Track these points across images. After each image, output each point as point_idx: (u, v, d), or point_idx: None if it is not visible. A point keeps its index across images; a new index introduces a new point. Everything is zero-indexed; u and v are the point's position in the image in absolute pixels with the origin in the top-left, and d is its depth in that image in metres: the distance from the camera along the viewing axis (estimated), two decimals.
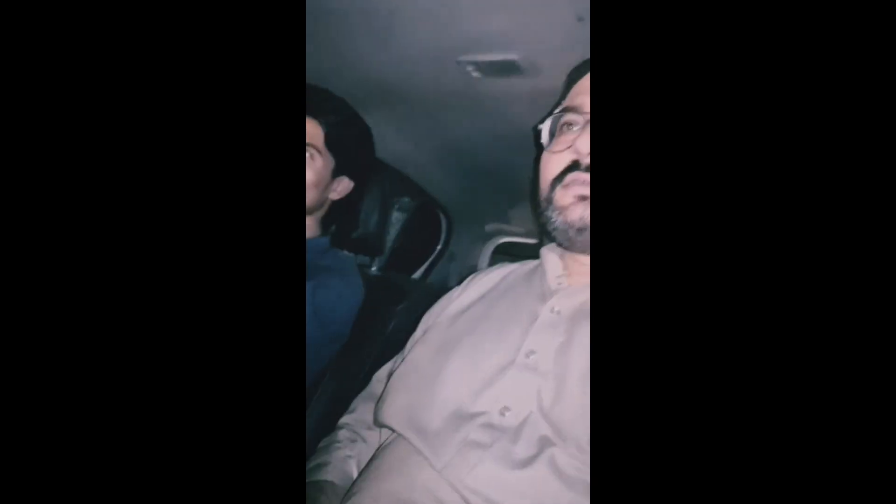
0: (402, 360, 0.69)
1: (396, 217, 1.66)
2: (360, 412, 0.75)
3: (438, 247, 1.88)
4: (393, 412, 0.61)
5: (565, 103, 0.67)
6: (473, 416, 0.55)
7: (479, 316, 0.68)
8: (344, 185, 0.89)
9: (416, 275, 1.87)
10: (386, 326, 0.93)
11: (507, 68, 0.91)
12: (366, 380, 0.80)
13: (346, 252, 0.92)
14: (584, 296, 0.62)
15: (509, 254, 2.04)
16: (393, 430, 0.60)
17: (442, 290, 1.80)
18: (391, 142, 1.36)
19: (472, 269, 1.99)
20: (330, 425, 0.77)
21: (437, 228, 1.85)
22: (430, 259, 1.87)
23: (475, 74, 0.95)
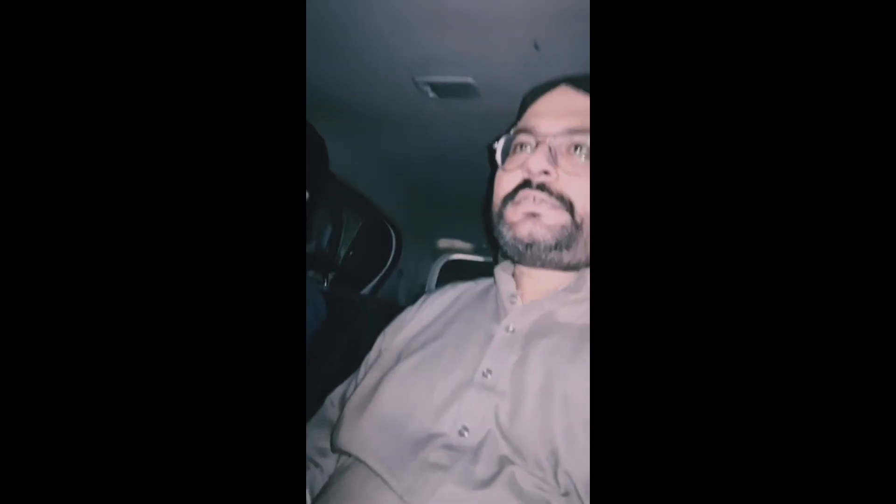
0: (358, 385, 0.68)
1: (347, 232, 1.65)
2: (313, 438, 0.73)
3: (388, 263, 1.87)
4: (351, 437, 0.60)
5: (520, 125, 0.69)
6: (432, 437, 0.55)
7: (434, 337, 0.68)
8: None
9: (366, 291, 1.85)
10: (337, 346, 0.91)
11: (463, 90, 0.93)
12: (318, 402, 0.78)
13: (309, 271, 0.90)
14: (537, 313, 0.64)
15: (458, 270, 2.05)
16: (351, 456, 0.59)
17: (391, 306, 1.79)
18: (342, 156, 1.35)
19: (422, 286, 1.99)
20: None
21: (388, 244, 1.85)
22: (380, 275, 1.85)
23: (431, 94, 0.97)
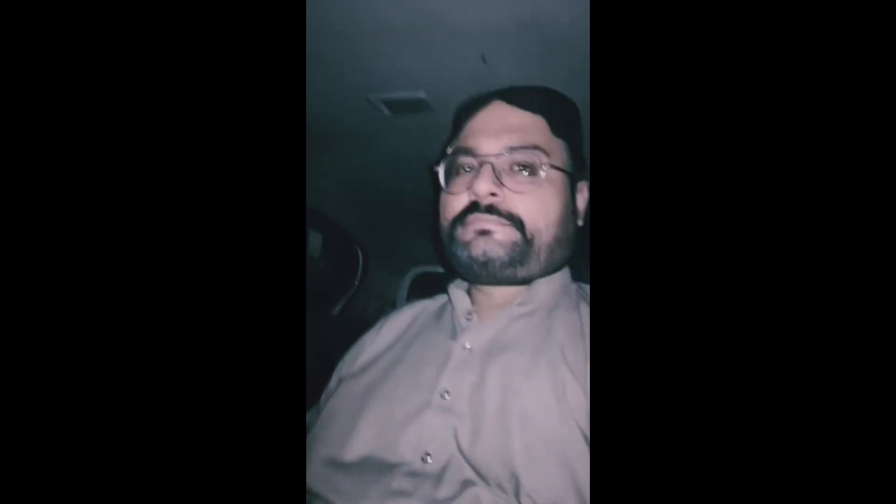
0: (318, 416, 0.67)
1: (311, 253, 1.62)
2: None
3: (355, 282, 1.85)
4: (311, 473, 0.58)
5: (458, 143, 0.68)
6: (395, 466, 0.54)
7: (393, 361, 0.67)
8: None
9: (335, 310, 1.83)
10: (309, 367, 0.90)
11: (416, 105, 0.93)
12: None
13: None
14: (493, 330, 0.63)
15: (429, 284, 2.05)
16: (311, 492, 0.58)
17: (360, 324, 1.76)
18: (306, 179, 1.34)
19: (392, 303, 1.98)
20: None
21: (354, 263, 1.83)
22: (348, 295, 1.84)
23: (385, 111, 0.97)
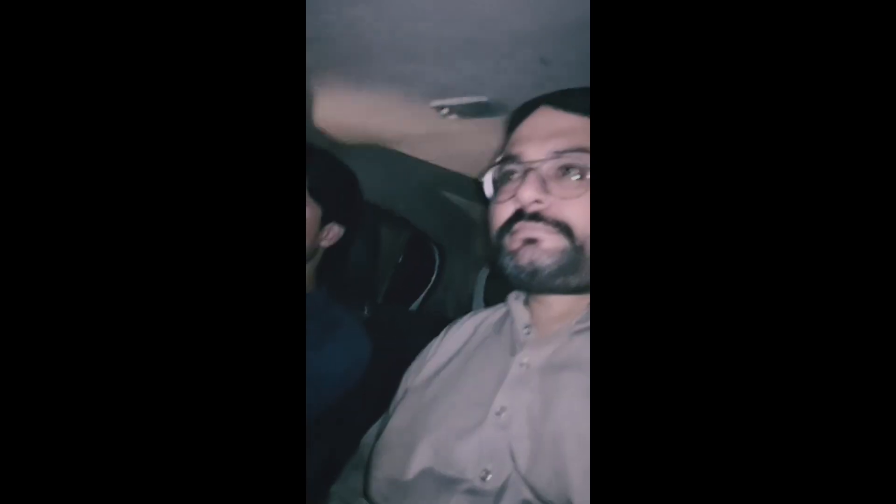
0: (385, 427, 0.68)
1: (390, 253, 1.69)
2: (351, 481, 0.73)
3: (433, 278, 1.90)
4: (376, 487, 0.60)
5: (506, 152, 0.66)
6: (456, 482, 0.54)
7: (454, 374, 0.67)
8: (334, 232, 0.91)
9: (413, 306, 1.89)
10: (379, 374, 0.94)
11: (480, 109, 0.95)
12: (363, 429, 0.80)
13: (341, 306, 0.91)
14: (551, 347, 0.61)
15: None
16: None
17: (439, 320, 1.80)
18: (378, 183, 1.39)
19: (469, 297, 2.01)
20: (323, 491, 0.75)
21: (431, 261, 1.88)
22: (426, 290, 1.89)
23: (451, 116, 0.99)
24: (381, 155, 1.26)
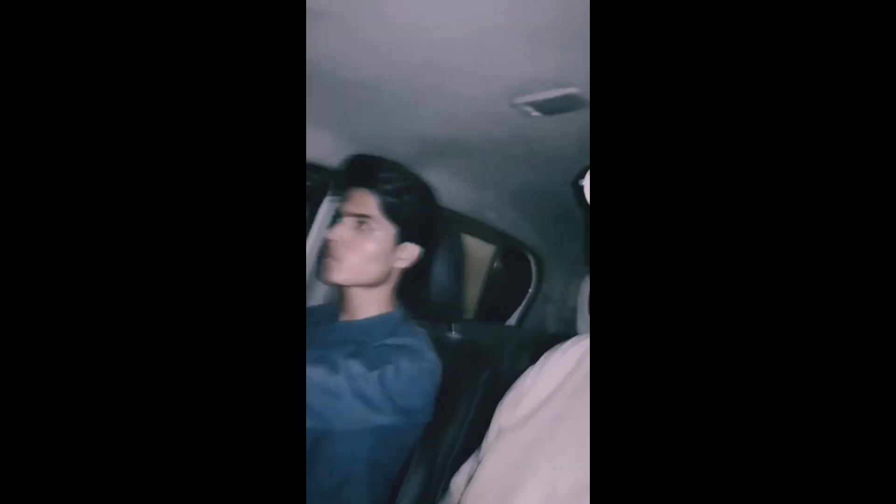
0: (476, 471, 0.60)
1: (481, 266, 1.60)
2: None
3: (530, 290, 1.78)
4: None
5: None
6: None
7: (557, 414, 0.57)
8: (410, 252, 0.84)
9: (511, 321, 1.78)
10: (470, 403, 0.85)
11: (568, 103, 0.83)
12: (453, 467, 0.72)
13: (418, 326, 0.85)
14: None
15: None
16: None
17: (540, 335, 1.68)
18: (465, 192, 1.32)
19: (573, 310, 1.86)
20: None
21: (528, 271, 1.76)
22: (524, 304, 1.77)
23: (534, 114, 0.88)
24: (466, 162, 1.18)
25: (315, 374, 0.67)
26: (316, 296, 1.13)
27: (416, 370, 0.74)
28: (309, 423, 0.66)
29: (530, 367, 0.68)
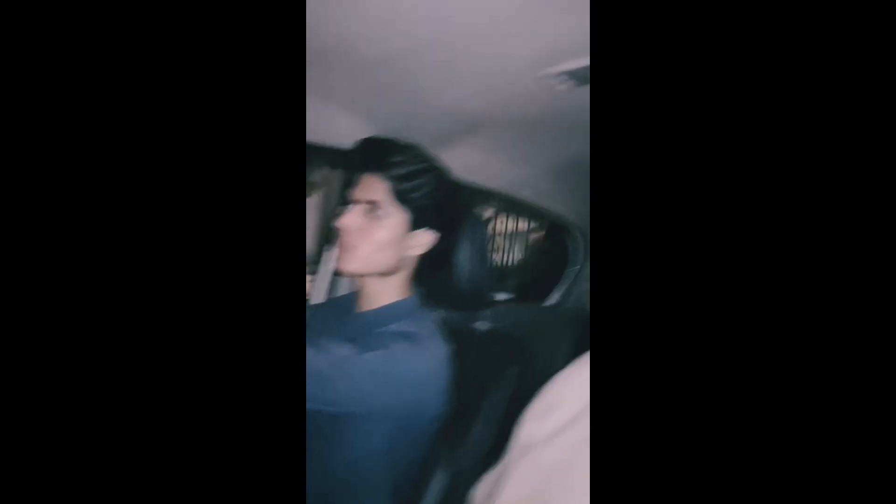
0: (496, 491, 0.54)
1: (517, 244, 1.53)
2: None
3: (573, 267, 1.70)
4: None
5: None
6: None
7: (585, 438, 0.50)
8: (425, 238, 0.79)
9: (551, 301, 1.71)
10: (497, 399, 0.80)
11: None
12: (483, 467, 0.67)
13: (429, 314, 0.80)
14: None
15: None
16: None
17: (583, 315, 1.60)
18: (498, 169, 1.25)
19: None
20: None
21: (564, 249, 1.68)
22: (565, 282, 1.69)
23: (563, 85, 0.80)
24: (496, 138, 1.11)
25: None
26: (343, 285, 1.10)
27: (413, 357, 0.70)
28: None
29: (557, 375, 0.62)
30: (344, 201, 0.79)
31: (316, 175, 1.34)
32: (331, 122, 0.91)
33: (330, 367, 0.66)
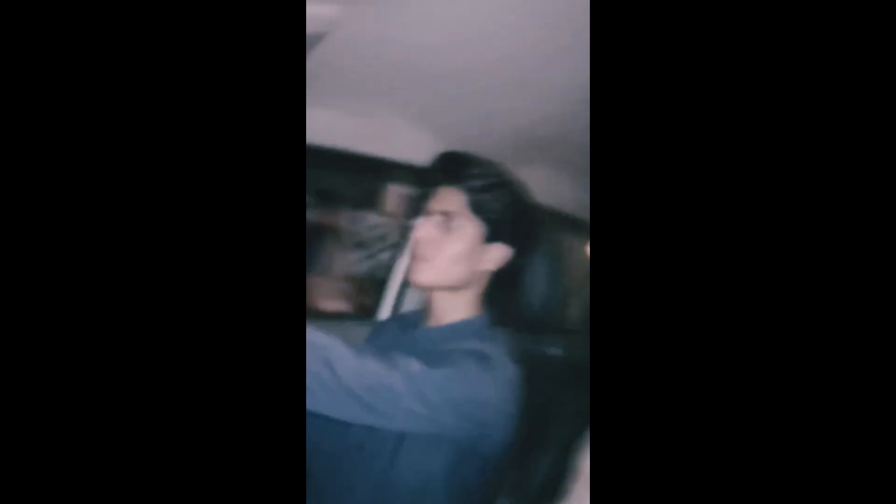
0: None
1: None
2: None
3: None
4: None
5: None
6: None
7: None
8: (499, 253, 0.76)
9: None
10: (565, 429, 0.75)
11: None
12: (550, 499, 0.63)
13: (501, 335, 0.77)
14: None
15: None
16: None
17: None
18: (568, 189, 1.21)
19: None
20: None
21: None
22: None
23: None
24: (566, 158, 1.08)
25: (371, 367, 0.62)
26: (409, 301, 1.09)
27: (483, 378, 0.66)
28: (365, 419, 0.63)
29: None
30: (417, 213, 0.78)
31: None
32: (400, 136, 0.92)
33: (403, 382, 0.63)
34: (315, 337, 0.59)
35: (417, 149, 0.93)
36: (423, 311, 0.82)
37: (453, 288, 0.76)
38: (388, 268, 1.15)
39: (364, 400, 0.62)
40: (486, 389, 0.67)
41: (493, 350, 0.71)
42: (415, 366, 0.65)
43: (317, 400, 0.58)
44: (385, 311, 1.11)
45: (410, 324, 0.84)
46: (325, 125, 0.84)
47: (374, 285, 1.21)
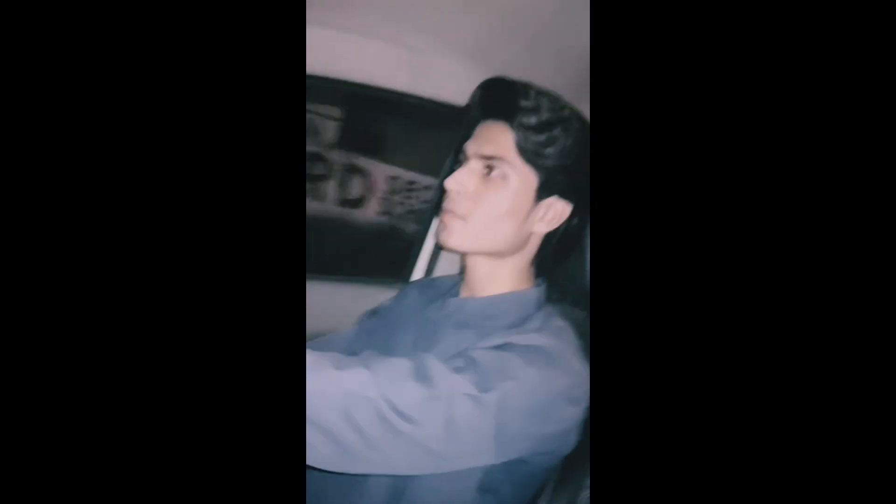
0: None
1: None
2: None
3: None
4: None
5: None
6: None
7: None
8: (555, 211, 0.61)
9: None
10: None
11: None
12: None
13: (561, 316, 0.63)
14: None
15: None
16: None
17: None
18: None
19: None
20: None
21: None
22: None
23: None
24: None
25: (409, 392, 0.50)
26: (442, 265, 0.97)
27: (551, 389, 0.52)
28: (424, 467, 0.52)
29: None
30: (455, 159, 0.63)
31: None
32: (439, 73, 0.78)
33: (437, 414, 0.51)
34: (351, 382, 0.48)
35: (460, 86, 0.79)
36: (461, 278, 0.69)
37: (495, 254, 0.62)
38: (424, 224, 1.03)
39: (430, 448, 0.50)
40: (552, 405, 0.53)
41: (558, 344, 0.56)
42: (462, 385, 0.51)
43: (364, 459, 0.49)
44: (417, 274, 1.00)
45: (442, 292, 0.71)
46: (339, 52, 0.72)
47: (404, 243, 1.11)
